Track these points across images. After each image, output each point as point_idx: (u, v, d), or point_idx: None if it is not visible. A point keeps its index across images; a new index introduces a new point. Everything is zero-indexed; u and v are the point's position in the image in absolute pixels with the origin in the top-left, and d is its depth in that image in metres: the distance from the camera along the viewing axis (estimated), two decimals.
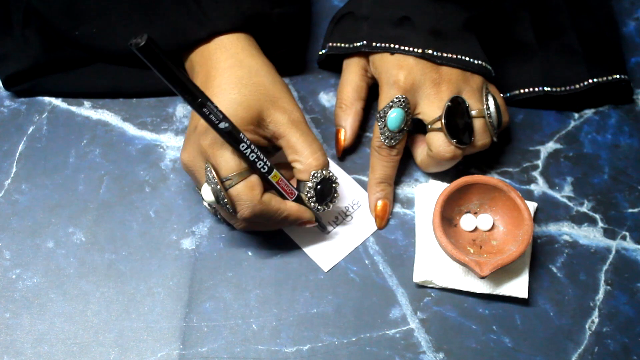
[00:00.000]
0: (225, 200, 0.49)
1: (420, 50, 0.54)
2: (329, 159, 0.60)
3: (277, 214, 0.51)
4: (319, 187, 0.52)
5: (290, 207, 0.52)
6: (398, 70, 0.55)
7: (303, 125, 0.52)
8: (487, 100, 0.55)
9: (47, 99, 0.62)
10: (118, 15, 0.56)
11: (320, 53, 0.62)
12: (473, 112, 0.55)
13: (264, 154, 0.50)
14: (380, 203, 0.57)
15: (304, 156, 0.51)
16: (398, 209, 0.59)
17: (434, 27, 0.55)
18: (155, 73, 0.43)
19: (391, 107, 0.54)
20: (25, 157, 0.60)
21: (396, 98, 0.54)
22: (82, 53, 0.59)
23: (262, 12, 0.55)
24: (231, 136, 0.48)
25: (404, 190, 0.59)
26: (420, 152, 0.58)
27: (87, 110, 0.62)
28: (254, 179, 0.50)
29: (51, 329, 0.54)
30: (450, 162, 0.56)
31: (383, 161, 0.56)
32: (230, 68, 0.52)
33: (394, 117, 0.54)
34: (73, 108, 0.62)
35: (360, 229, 0.58)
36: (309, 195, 0.52)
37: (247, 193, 0.49)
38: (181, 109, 0.62)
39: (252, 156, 0.49)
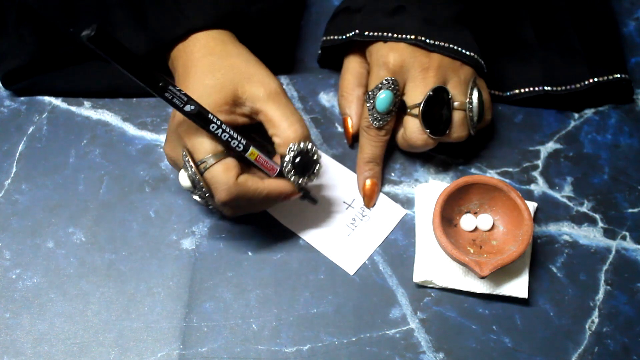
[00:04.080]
0: (201, 184, 0.48)
1: (412, 37, 0.54)
2: (327, 156, 0.60)
3: (255, 194, 0.50)
4: (297, 160, 0.50)
5: (268, 184, 0.50)
6: (389, 51, 0.55)
7: (281, 97, 0.51)
8: (471, 94, 0.55)
9: (47, 99, 0.62)
10: (110, 17, 0.56)
11: (320, 52, 0.62)
12: (455, 104, 0.55)
13: (239, 133, 0.49)
14: (368, 182, 0.58)
15: (281, 129, 0.50)
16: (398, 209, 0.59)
17: (428, 17, 0.55)
18: (113, 64, 0.42)
19: (380, 89, 0.54)
20: (25, 157, 0.59)
21: (385, 80, 0.54)
22: (78, 50, 0.59)
23: (240, 9, 0.55)
24: (199, 117, 0.47)
25: (404, 190, 0.59)
26: (400, 131, 0.58)
27: (87, 110, 0.62)
28: (230, 160, 0.49)
29: (51, 329, 0.54)
30: (422, 148, 0.56)
31: (371, 141, 0.57)
32: (203, 57, 0.52)
33: (383, 98, 0.54)
34: (73, 108, 0.62)
35: (380, 226, 0.57)
36: (286, 169, 0.51)
37: (222, 175, 0.48)
38: None
39: (225, 136, 0.48)
